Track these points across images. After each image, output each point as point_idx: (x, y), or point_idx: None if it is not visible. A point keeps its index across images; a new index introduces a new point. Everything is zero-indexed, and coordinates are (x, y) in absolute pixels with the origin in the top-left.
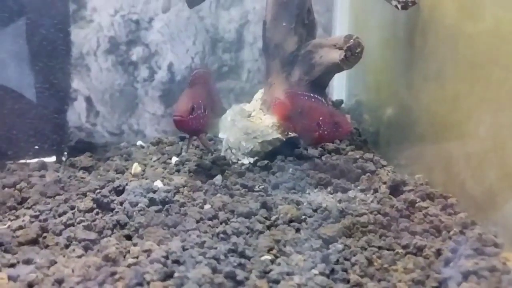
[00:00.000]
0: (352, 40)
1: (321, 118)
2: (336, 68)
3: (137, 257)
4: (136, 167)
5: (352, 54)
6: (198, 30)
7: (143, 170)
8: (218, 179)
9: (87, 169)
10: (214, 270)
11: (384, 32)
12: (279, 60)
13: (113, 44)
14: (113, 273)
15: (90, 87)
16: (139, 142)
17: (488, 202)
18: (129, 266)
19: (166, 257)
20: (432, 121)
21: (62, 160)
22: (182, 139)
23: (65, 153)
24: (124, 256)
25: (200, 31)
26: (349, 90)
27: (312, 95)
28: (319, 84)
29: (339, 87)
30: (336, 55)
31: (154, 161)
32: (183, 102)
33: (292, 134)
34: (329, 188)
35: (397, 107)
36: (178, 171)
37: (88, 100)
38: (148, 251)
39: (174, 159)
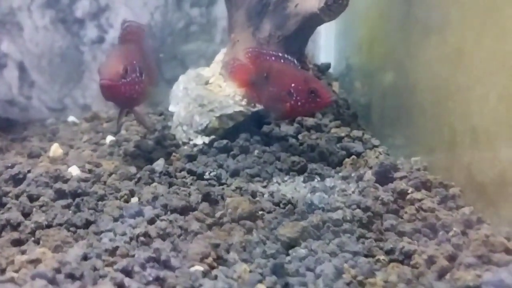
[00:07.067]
0: None
1: (293, 85)
2: (316, 19)
3: (18, 271)
4: (56, 149)
5: (335, 1)
6: None
7: (66, 153)
8: (159, 164)
9: None
10: None
11: None
12: (245, 10)
13: None
14: None
15: (23, 50)
16: (71, 118)
17: (500, 193)
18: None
19: (58, 270)
20: (433, 85)
21: None
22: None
23: None
24: (4, 270)
25: None
26: (339, 50)
27: (281, 55)
28: (296, 41)
29: (327, 47)
30: (314, 3)
31: (84, 142)
32: (113, 63)
33: (260, 106)
34: (303, 175)
35: (393, 70)
36: (111, 153)
37: (21, 66)
38: (36, 262)
39: (109, 139)
